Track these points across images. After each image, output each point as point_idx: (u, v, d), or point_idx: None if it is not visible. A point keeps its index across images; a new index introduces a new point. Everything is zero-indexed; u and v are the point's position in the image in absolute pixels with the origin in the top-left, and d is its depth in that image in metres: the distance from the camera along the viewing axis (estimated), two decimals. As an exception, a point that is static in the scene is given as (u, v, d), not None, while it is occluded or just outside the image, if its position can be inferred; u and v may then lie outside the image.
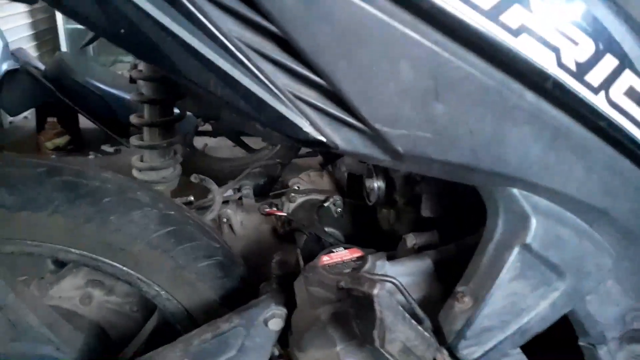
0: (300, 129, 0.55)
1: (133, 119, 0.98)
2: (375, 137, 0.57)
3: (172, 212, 0.87)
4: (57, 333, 0.83)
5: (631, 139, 0.62)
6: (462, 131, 0.57)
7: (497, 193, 0.66)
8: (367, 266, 0.72)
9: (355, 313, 0.61)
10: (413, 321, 0.62)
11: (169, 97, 0.96)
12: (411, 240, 0.82)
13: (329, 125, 0.57)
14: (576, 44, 0.56)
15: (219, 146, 2.61)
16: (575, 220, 0.68)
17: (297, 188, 1.07)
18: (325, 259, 0.75)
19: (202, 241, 0.88)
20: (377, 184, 0.93)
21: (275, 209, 1.01)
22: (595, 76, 0.57)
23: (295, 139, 0.57)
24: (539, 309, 0.67)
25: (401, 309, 0.60)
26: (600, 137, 0.61)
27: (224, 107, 0.75)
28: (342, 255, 0.75)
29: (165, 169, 0.99)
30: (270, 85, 0.53)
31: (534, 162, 0.60)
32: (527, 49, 0.53)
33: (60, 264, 1.03)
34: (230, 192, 1.19)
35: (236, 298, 0.90)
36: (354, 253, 0.75)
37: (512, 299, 0.66)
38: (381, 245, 0.91)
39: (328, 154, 1.25)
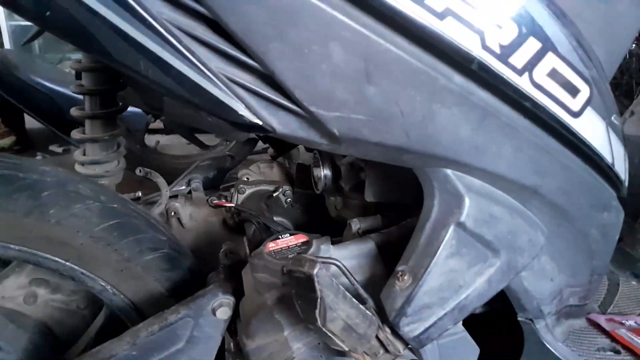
0: (235, 112, 0.56)
1: (74, 111, 0.95)
2: (312, 120, 0.58)
3: (115, 205, 0.86)
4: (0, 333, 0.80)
5: (555, 118, 0.65)
6: (394, 113, 0.59)
7: (432, 174, 0.68)
8: (311, 250, 0.73)
9: (297, 294, 0.61)
10: (354, 300, 0.63)
11: (110, 89, 0.94)
12: (355, 225, 0.84)
13: (265, 109, 0.57)
14: (500, 27, 0.59)
15: (173, 144, 2.57)
16: (508, 198, 0.71)
17: (246, 179, 1.07)
18: (271, 246, 0.75)
19: (147, 234, 0.87)
20: (323, 172, 0.94)
21: (224, 200, 1.01)
22: (519, 58, 0.60)
23: (232, 123, 0.57)
24: (475, 285, 0.70)
25: (342, 288, 0.61)
26: (526, 117, 0.64)
27: (165, 97, 0.74)
28: (287, 241, 0.76)
29: (108, 163, 0.97)
30: (204, 69, 0.53)
31: (464, 143, 0.63)
32: (452, 31, 0.55)
33: (2, 263, 1.00)
34: (183, 187, 1.18)
35: (185, 290, 0.89)
36: (300, 239, 0.76)
37: (450, 276, 0.68)
38: (330, 232, 0.93)
39: (278, 146, 1.26)
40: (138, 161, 2.21)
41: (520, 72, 0.60)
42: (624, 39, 0.86)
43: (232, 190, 1.03)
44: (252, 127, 0.57)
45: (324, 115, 0.57)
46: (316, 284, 0.58)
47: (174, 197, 1.12)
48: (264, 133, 0.59)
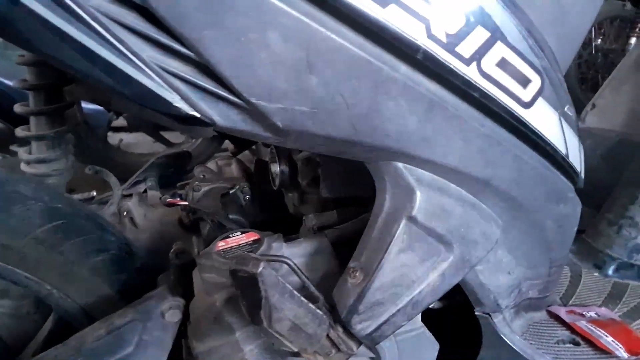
0: (170, 103, 0.53)
1: (17, 107, 0.91)
2: (254, 112, 0.56)
3: (60, 205, 0.82)
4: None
5: (505, 109, 0.64)
6: (339, 104, 0.57)
7: (383, 167, 0.66)
8: (262, 248, 0.71)
9: (242, 294, 0.59)
10: (303, 299, 0.61)
11: (55, 83, 0.90)
12: (310, 221, 0.82)
13: (203, 100, 0.55)
14: (446, 15, 0.57)
15: (138, 141, 2.51)
16: (460, 191, 0.70)
17: (202, 177, 1.04)
18: (221, 245, 0.73)
19: (93, 235, 0.83)
20: (280, 167, 0.92)
21: (178, 199, 0.98)
22: (467, 48, 0.59)
23: (167, 115, 0.54)
24: (429, 280, 0.68)
25: (288, 287, 0.59)
26: (475, 108, 0.63)
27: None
28: (238, 239, 0.74)
29: (56, 161, 0.93)
30: (134, 58, 0.50)
31: (412, 134, 0.61)
32: (396, 20, 0.54)
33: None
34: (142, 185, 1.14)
35: (137, 292, 0.86)
36: (251, 237, 0.74)
37: (402, 271, 0.67)
38: (290, 229, 0.90)
39: (240, 142, 1.23)
40: (100, 160, 2.15)
41: (467, 62, 0.59)
42: (578, 29, 0.86)
43: (187, 188, 1.00)
44: (190, 119, 0.55)
45: (265, 106, 0.55)
46: (260, 284, 0.55)
47: (129, 196, 1.08)
48: (204, 126, 0.56)
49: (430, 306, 0.86)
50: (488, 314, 0.81)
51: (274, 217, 1.02)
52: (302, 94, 0.55)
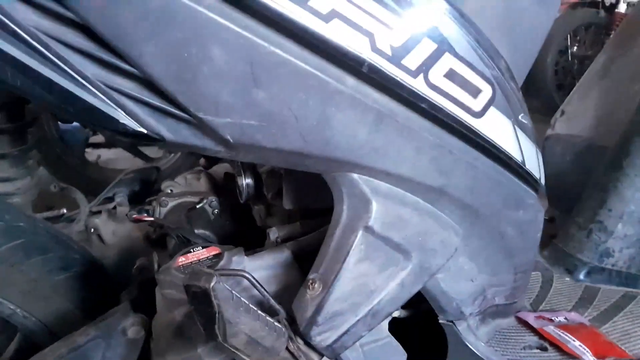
0: (116, 121, 0.53)
1: (-23, 127, 0.91)
2: (203, 126, 0.56)
3: (21, 224, 0.82)
4: None
5: (455, 119, 0.65)
6: (288, 117, 0.57)
7: (339, 179, 0.67)
8: (222, 262, 0.71)
9: (196, 310, 0.59)
10: (259, 312, 0.61)
11: (16, 102, 0.90)
12: (274, 234, 0.82)
13: (151, 116, 0.55)
14: (391, 28, 0.58)
15: (117, 157, 2.49)
16: (417, 200, 0.71)
17: (170, 192, 1.04)
18: (181, 260, 0.73)
19: (56, 253, 0.83)
20: (245, 181, 0.92)
21: (145, 214, 0.97)
22: (413, 60, 0.60)
23: (114, 132, 0.55)
24: (388, 290, 0.69)
25: (243, 300, 0.59)
26: (425, 118, 0.64)
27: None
28: (199, 254, 0.73)
29: (19, 180, 0.92)
30: (77, 76, 0.50)
31: (363, 146, 0.62)
32: (339, 34, 0.55)
33: None
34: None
35: (102, 309, 0.85)
36: (212, 251, 0.74)
37: (361, 281, 0.67)
38: (259, 242, 0.90)
39: (211, 156, 1.23)
40: (78, 176, 2.14)
41: (414, 74, 0.60)
42: (533, 38, 0.88)
43: (154, 203, 1.00)
44: (138, 135, 0.55)
45: (213, 121, 0.55)
46: (212, 299, 0.55)
47: (98, 213, 1.07)
48: (153, 142, 0.57)
49: (395, 315, 0.86)
50: (452, 321, 0.81)
51: (243, 231, 1.02)
52: (250, 108, 0.56)
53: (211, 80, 0.53)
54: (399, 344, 0.85)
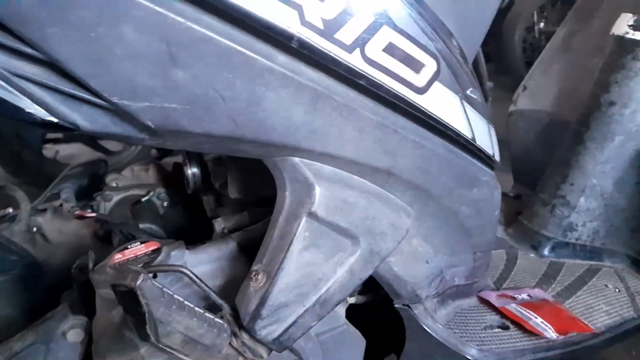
0: (21, 110, 0.48)
1: None
2: (121, 113, 0.52)
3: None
4: None
5: (397, 95, 0.62)
6: (214, 99, 0.53)
7: (280, 164, 0.63)
8: (159, 258, 0.67)
9: (126, 310, 0.55)
10: (197, 309, 0.57)
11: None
12: (219, 224, 0.78)
13: (63, 104, 0.50)
14: (322, 0, 0.54)
15: (78, 152, 2.41)
16: (364, 183, 0.68)
17: (115, 185, 0.99)
18: (118, 257, 0.68)
19: (-10, 255, 0.78)
20: (191, 170, 0.88)
21: (89, 210, 0.92)
22: (347, 34, 0.56)
23: (22, 121, 0.50)
24: (336, 277, 0.66)
25: (177, 298, 0.56)
26: (365, 96, 0.61)
27: None
28: (136, 250, 0.69)
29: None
30: (-26, 64, 0.46)
31: (301, 127, 0.58)
32: (264, 7, 0.51)
33: None
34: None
35: (44, 312, 0.81)
36: (150, 246, 0.70)
37: (307, 270, 0.64)
38: (211, 234, 0.87)
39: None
40: (35, 174, 2.06)
41: (349, 49, 0.56)
42: (483, 10, 0.85)
43: (98, 197, 0.95)
44: (48, 124, 0.50)
45: (130, 106, 0.51)
46: (140, 298, 0.51)
47: (43, 210, 1.01)
48: (68, 131, 0.52)
49: (352, 301, 0.84)
50: (408, 305, 0.79)
51: (196, 224, 0.98)
52: (170, 90, 0.51)
53: (124, 61, 0.49)
54: (357, 331, 0.82)
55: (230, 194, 0.79)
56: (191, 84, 0.52)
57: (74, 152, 2.42)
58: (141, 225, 0.89)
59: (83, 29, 0.46)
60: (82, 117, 0.52)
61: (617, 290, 1.30)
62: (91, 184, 1.07)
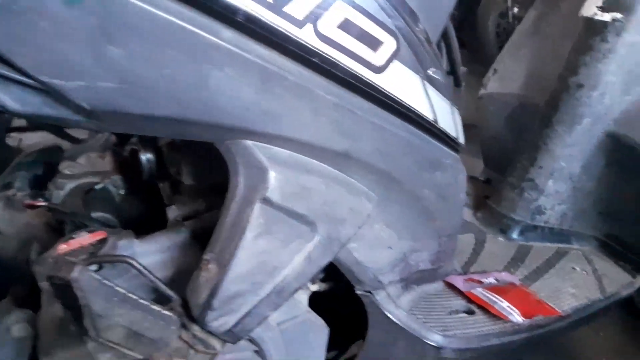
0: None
1: None
2: (54, 93, 0.48)
3: None
4: None
5: (353, 74, 0.59)
6: (155, 78, 0.50)
7: (233, 147, 0.60)
8: (105, 248, 0.63)
9: (63, 303, 0.52)
10: (142, 301, 0.55)
11: None
12: (173, 212, 0.75)
13: (-12, 84, 0.46)
14: (270, -29, 0.51)
15: (44, 141, 2.33)
16: (322, 167, 0.65)
17: (67, 173, 0.95)
18: (63, 248, 0.64)
19: None
20: (146, 156, 0.84)
21: (41, 200, 0.88)
22: (298, 8, 0.53)
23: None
24: (294, 265, 0.63)
25: (119, 290, 0.53)
26: (319, 74, 0.58)
27: None
28: (82, 240, 0.65)
29: None
30: None
31: (251, 108, 0.55)
32: (206, -23, 0.47)
33: None
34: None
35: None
36: (97, 236, 0.66)
37: (261, 258, 0.61)
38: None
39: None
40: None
41: (300, 24, 0.53)
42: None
43: (50, 186, 0.90)
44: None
45: (61, 85, 0.47)
46: (77, 291, 0.48)
47: (-4, 200, 0.96)
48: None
49: (314, 289, 0.82)
50: (370, 291, 0.77)
51: (152, 212, 0.94)
52: (105, 69, 0.48)
53: (53, 37, 0.45)
54: (319, 319, 0.81)
55: (185, 180, 0.76)
56: (127, 62, 0.48)
57: (40, 141, 2.33)
58: (94, 215, 0.85)
59: (4, 1, 0.42)
60: (12, 99, 0.48)
61: (584, 272, 1.31)
62: (47, 172, 1.02)
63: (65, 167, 0.95)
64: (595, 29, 1.24)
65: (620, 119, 1.28)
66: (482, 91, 1.59)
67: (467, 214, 1.40)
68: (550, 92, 1.35)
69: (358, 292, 0.76)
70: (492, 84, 1.57)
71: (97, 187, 0.90)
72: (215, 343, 0.62)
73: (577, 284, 1.23)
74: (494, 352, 0.90)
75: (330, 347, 0.96)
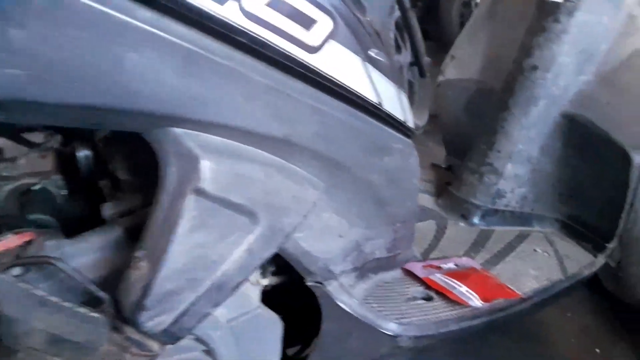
0: None
1: None
2: (-50, 82, 0.44)
3: None
4: None
5: (286, 55, 0.56)
6: (65, 63, 0.46)
7: (161, 136, 0.57)
8: (31, 250, 0.59)
9: (-23, 310, 0.48)
10: (65, 304, 0.51)
11: None
12: (108, 209, 0.71)
13: None
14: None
15: (6, 146, 2.24)
16: (261, 154, 0.62)
17: (4, 175, 0.90)
18: (-14, 251, 0.60)
19: None
20: (83, 153, 0.80)
21: (-25, 203, 0.83)
22: (218, -16, 0.50)
23: None
24: (234, 258, 0.60)
25: (38, 293, 0.49)
26: (250, 56, 0.55)
27: None
28: (7, 243, 0.61)
29: None
30: None
31: (175, 94, 0.52)
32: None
33: None
34: None
35: None
36: (24, 238, 0.62)
37: (197, 253, 0.58)
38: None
39: (67, 131, 1.07)
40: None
41: (221, 1, 0.50)
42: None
43: (-17, 190, 0.85)
44: None
45: (-44, 73, 0.43)
46: (-13, 295, 0.44)
47: None
48: None
49: (265, 283, 0.79)
50: (321, 282, 0.75)
51: (94, 211, 0.90)
52: (8, 54, 0.44)
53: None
54: (273, 314, 0.78)
55: (120, 176, 0.72)
56: (35, 46, 0.44)
57: (4, 146, 2.24)
58: (31, 217, 0.80)
59: None
60: None
61: (546, 254, 1.31)
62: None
63: (2, 169, 0.89)
64: (548, 10, 1.24)
65: (575, 99, 1.28)
66: (440, 78, 1.58)
67: (429, 201, 1.39)
68: (506, 76, 1.35)
69: (309, 283, 0.74)
70: (450, 70, 1.56)
71: (35, 187, 0.85)
72: (152, 344, 0.59)
73: (539, 265, 1.23)
74: (453, 337, 0.89)
75: (294, 342, 0.94)
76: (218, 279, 0.60)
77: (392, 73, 0.74)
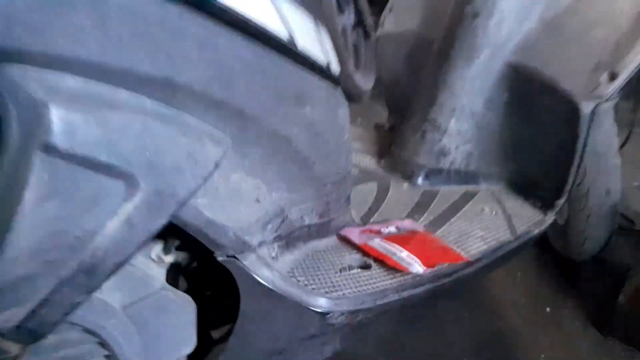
0: None
1: None
2: None
3: None
4: None
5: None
6: None
7: (-7, 77, 0.43)
8: None
9: None
10: None
11: None
12: None
13: None
14: None
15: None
16: (138, 99, 0.49)
17: None
18: None
19: None
20: None
21: None
22: None
23: None
24: (107, 232, 0.48)
25: None
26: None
27: None
28: None
29: None
30: None
31: (3, 17, 0.38)
32: None
33: None
34: None
35: None
36: None
37: (54, 228, 0.45)
38: None
39: None
40: None
41: None
42: None
43: None
44: None
45: None
46: None
47: None
48: None
49: (170, 260, 0.67)
50: (234, 256, 0.63)
51: None
52: None
53: None
54: (183, 295, 0.67)
55: None
56: None
57: None
58: None
59: None
60: None
61: (494, 213, 1.25)
62: None
63: None
64: (488, -49, 1.14)
65: (519, 48, 1.20)
66: (379, 31, 1.47)
67: (371, 163, 1.30)
68: (445, 25, 1.25)
69: (219, 258, 0.62)
70: (389, 23, 1.45)
71: None
72: (10, 346, 0.46)
73: (486, 225, 1.16)
74: (393, 309, 0.80)
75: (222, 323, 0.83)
76: (87, 259, 0.47)
77: (309, 3, 0.61)
